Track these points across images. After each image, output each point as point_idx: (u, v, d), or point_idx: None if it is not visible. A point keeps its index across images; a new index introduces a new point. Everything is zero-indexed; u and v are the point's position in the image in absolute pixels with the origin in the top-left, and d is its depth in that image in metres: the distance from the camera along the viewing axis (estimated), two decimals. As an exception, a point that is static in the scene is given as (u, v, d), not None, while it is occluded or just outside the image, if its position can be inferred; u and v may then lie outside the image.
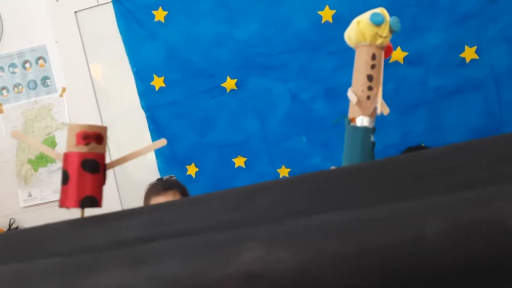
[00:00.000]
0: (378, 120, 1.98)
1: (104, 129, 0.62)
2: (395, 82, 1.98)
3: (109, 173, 2.20)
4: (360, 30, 0.93)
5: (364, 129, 0.94)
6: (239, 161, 2.12)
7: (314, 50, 2.00)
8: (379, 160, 0.51)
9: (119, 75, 2.22)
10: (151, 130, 2.16)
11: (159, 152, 2.17)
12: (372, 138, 0.95)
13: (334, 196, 0.44)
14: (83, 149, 0.59)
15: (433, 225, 0.38)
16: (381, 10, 0.93)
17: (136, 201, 2.18)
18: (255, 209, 0.45)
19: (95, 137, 0.60)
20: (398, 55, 1.96)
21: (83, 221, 0.55)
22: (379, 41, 0.93)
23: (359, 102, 0.94)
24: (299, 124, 2.04)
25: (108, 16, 2.14)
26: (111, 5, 2.13)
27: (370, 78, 0.94)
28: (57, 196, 2.29)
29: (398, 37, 1.94)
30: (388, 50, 0.97)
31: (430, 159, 0.48)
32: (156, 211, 0.52)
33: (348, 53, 2.04)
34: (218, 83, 2.09)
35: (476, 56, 1.92)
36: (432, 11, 1.93)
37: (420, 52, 1.95)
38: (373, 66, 0.94)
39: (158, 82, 2.13)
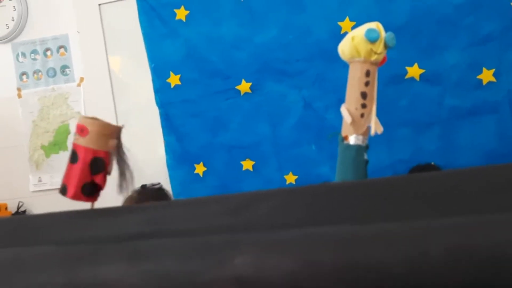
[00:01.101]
0: (389, 135, 1.99)
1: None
2: (409, 98, 1.97)
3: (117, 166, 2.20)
4: (355, 46, 0.90)
5: (357, 147, 0.93)
6: (247, 164, 2.13)
7: (331, 60, 1.99)
8: (379, 179, 0.52)
9: (136, 69, 2.24)
10: (163, 127, 2.18)
11: (169, 149, 2.19)
12: (365, 156, 0.94)
13: (331, 210, 0.45)
14: (84, 142, 0.71)
15: (431, 247, 0.38)
16: (376, 26, 0.91)
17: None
18: (252, 215, 0.46)
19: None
20: (415, 71, 1.96)
21: (86, 213, 0.57)
22: (373, 57, 0.90)
23: (352, 120, 0.93)
24: (310, 132, 2.04)
25: (130, 11, 2.17)
26: (134, 0, 2.16)
27: (364, 95, 0.92)
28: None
29: (415, 54, 1.95)
30: (381, 61, 0.95)
31: (429, 182, 0.48)
32: (158, 210, 0.54)
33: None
34: (233, 85, 2.10)
35: (493, 79, 1.91)
36: (453, 30, 1.92)
37: (438, 71, 1.94)
38: (367, 83, 0.91)
39: (174, 80, 2.15)
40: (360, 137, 0.93)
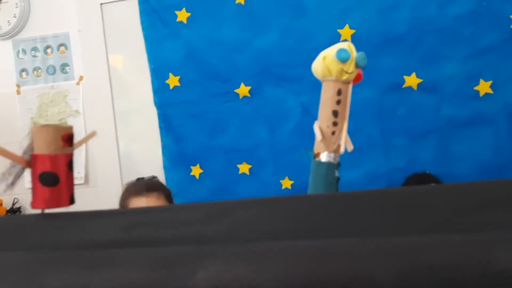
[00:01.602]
0: (386, 143, 2.00)
1: (71, 128, 0.64)
2: (407, 107, 1.98)
3: (114, 166, 2.24)
4: (326, 65, 0.92)
5: (328, 164, 0.94)
6: (244, 168, 2.13)
7: (330, 67, 2.00)
8: (362, 192, 0.51)
9: (136, 70, 2.25)
10: (161, 128, 2.19)
11: (166, 150, 2.19)
12: (337, 173, 0.95)
13: (305, 223, 0.44)
14: (68, 150, 0.61)
15: (383, 268, 0.38)
16: (347, 46, 0.92)
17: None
18: (226, 225, 0.46)
19: (72, 138, 0.62)
20: (413, 81, 1.97)
21: (57, 217, 0.56)
22: (344, 77, 0.92)
23: (323, 138, 0.94)
24: (308, 138, 2.04)
25: (132, 12, 2.18)
26: (136, 1, 2.17)
27: (335, 113, 0.93)
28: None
29: (414, 63, 1.96)
30: (357, 77, 0.97)
31: (399, 197, 0.48)
32: (130, 215, 0.53)
33: (365, 73, 2.05)
34: (232, 88, 2.11)
35: (490, 91, 1.92)
36: (452, 41, 1.93)
37: (435, 80, 1.95)
38: (338, 102, 0.93)
39: (173, 81, 2.15)
40: (332, 155, 0.94)
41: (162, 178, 2.17)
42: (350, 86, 0.93)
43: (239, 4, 2.08)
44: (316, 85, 2.20)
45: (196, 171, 2.17)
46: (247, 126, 2.11)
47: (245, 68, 2.10)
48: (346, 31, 2.00)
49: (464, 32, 1.92)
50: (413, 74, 1.97)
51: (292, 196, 0.49)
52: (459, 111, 1.95)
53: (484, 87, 1.93)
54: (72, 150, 0.62)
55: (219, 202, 0.52)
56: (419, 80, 1.97)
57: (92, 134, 0.68)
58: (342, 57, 0.91)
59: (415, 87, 1.97)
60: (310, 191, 0.98)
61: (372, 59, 1.97)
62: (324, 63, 0.93)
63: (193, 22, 2.13)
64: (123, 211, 0.55)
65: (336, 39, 2.00)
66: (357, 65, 0.93)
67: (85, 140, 0.67)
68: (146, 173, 2.21)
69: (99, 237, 0.48)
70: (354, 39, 1.99)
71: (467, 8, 1.91)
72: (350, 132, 2.15)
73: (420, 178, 1.85)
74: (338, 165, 0.96)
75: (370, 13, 1.99)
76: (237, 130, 2.12)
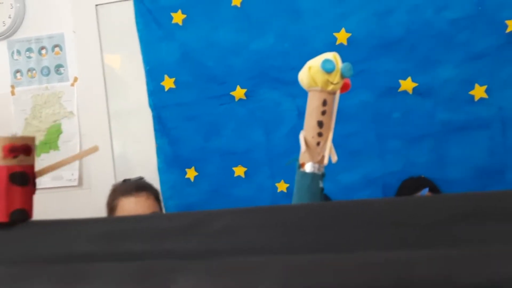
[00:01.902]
0: (381, 146, 2.00)
1: (32, 139, 0.61)
2: (402, 111, 1.98)
3: (108, 168, 2.23)
4: (311, 76, 0.92)
5: (312, 175, 0.93)
6: (239, 171, 2.13)
7: (326, 70, 2.00)
8: (341, 202, 0.50)
9: (131, 71, 2.24)
10: (155, 130, 2.18)
11: (160, 152, 2.18)
12: (321, 184, 0.94)
13: (283, 235, 0.43)
14: (11, 162, 0.58)
15: (352, 279, 0.37)
16: (333, 56, 0.92)
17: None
18: (200, 237, 0.45)
19: (23, 149, 0.59)
20: (408, 85, 1.97)
21: (34, 226, 0.54)
22: (330, 87, 0.92)
23: (308, 148, 0.94)
24: (303, 141, 2.05)
25: (127, 13, 2.18)
26: (132, 2, 2.16)
27: (320, 124, 0.93)
28: (55, 183, 2.31)
29: (409, 67, 1.97)
30: (345, 86, 0.97)
31: (381, 209, 0.46)
32: (104, 226, 0.51)
33: (358, 78, 2.06)
34: (228, 91, 2.11)
35: (485, 95, 1.93)
36: (448, 45, 1.94)
37: (431, 85, 1.96)
38: (323, 112, 0.93)
39: (168, 83, 2.15)
40: (316, 165, 0.93)
41: (156, 180, 2.17)
42: (337, 96, 0.93)
43: (235, 6, 2.08)
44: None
45: (191, 173, 2.16)
46: (243, 129, 2.10)
47: (241, 71, 2.09)
48: (342, 35, 2.00)
49: (459, 37, 1.93)
50: (409, 78, 1.97)
51: (271, 207, 0.47)
52: (454, 115, 1.95)
53: (479, 91, 1.93)
54: (22, 162, 0.58)
55: (195, 213, 0.51)
56: (415, 84, 1.97)
57: (93, 149, 0.65)
58: (327, 68, 0.91)
59: (410, 91, 1.98)
60: (294, 201, 0.97)
61: (368, 63, 1.99)
62: (310, 73, 0.93)
63: (189, 24, 2.13)
64: (96, 220, 0.53)
65: (333, 42, 2.00)
66: (342, 76, 0.93)
67: (84, 154, 0.65)
68: (140, 175, 2.21)
69: (71, 249, 0.47)
70: (350, 43, 1.99)
71: (463, 12, 1.92)
72: (346, 135, 2.17)
73: (416, 182, 1.85)
74: (322, 176, 0.95)
75: (366, 16, 1.99)
76: (232, 132, 2.12)
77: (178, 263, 0.42)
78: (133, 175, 2.19)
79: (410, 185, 1.86)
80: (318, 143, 0.94)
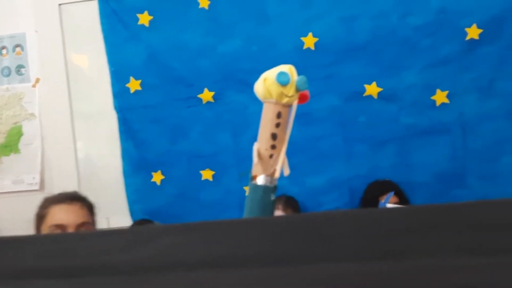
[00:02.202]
0: (348, 150, 2.02)
1: None
2: (367, 116, 2.02)
3: (71, 171, 2.16)
4: (267, 88, 0.91)
5: (264, 187, 0.92)
6: (207, 174, 2.11)
7: (293, 74, 2.02)
8: (291, 217, 0.49)
9: (95, 72, 2.19)
10: (121, 132, 2.14)
11: (125, 155, 2.14)
12: (273, 197, 0.93)
13: (235, 250, 0.42)
14: None
15: None
16: (289, 69, 0.91)
17: (96, 199, 2.13)
18: (144, 254, 0.43)
19: None
20: (373, 90, 2.01)
21: None
22: (284, 100, 0.91)
23: (260, 160, 0.92)
24: (271, 144, 2.05)
25: (92, 13, 2.13)
26: (96, 2, 2.11)
27: (274, 136, 0.92)
28: (16, 187, 2.23)
29: (375, 73, 2.00)
30: (303, 97, 0.96)
31: (336, 221, 0.46)
32: (45, 242, 0.49)
33: (325, 82, 2.09)
34: (195, 93, 2.09)
35: (447, 101, 1.98)
36: (412, 51, 1.98)
37: (395, 90, 2.00)
38: (277, 125, 0.92)
39: (134, 85, 2.11)
40: (268, 178, 0.93)
41: (121, 184, 2.12)
42: (294, 108, 0.92)
43: (203, 9, 2.07)
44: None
45: (157, 177, 2.13)
46: (210, 132, 2.09)
47: (208, 73, 2.08)
48: (310, 39, 2.02)
49: (422, 43, 1.98)
50: (374, 83, 2.01)
51: (222, 221, 0.46)
52: (417, 120, 2.00)
53: (440, 96, 1.98)
54: None
55: (141, 227, 0.50)
56: (380, 89, 2.00)
57: None
58: (282, 81, 0.90)
59: (375, 96, 2.01)
60: (246, 213, 0.96)
61: (335, 67, 2.01)
62: (265, 85, 0.92)
63: (156, 26, 2.10)
64: (37, 238, 0.50)
65: (300, 46, 2.02)
66: (297, 89, 0.92)
67: None
68: (105, 179, 2.16)
69: (16, 267, 0.45)
70: (318, 47, 2.01)
71: (426, 19, 1.97)
72: (314, 139, 2.18)
73: (382, 185, 1.88)
74: (275, 189, 0.94)
75: (332, 22, 2.02)
76: (200, 135, 2.10)
77: (119, 279, 0.40)
78: (97, 178, 2.14)
79: (376, 189, 1.88)
80: (271, 156, 0.92)
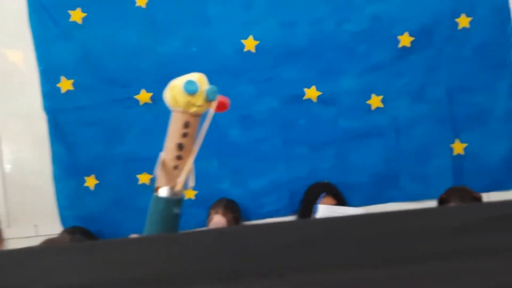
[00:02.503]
0: (288, 153, 2.03)
1: None
2: (307, 118, 2.05)
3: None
4: (174, 96, 0.88)
5: (166, 200, 0.88)
6: (144, 178, 2.04)
7: (234, 76, 2.01)
8: (202, 232, 0.46)
9: (23, 71, 2.05)
10: (51, 134, 2.01)
11: (56, 158, 2.01)
12: (177, 210, 0.88)
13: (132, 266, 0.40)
14: None
15: None
16: (198, 78, 0.89)
17: (23, 205, 1.99)
18: (33, 274, 0.40)
19: None
20: (312, 93, 2.04)
21: None
22: (192, 109, 0.88)
23: (164, 171, 0.88)
24: (212, 147, 2.02)
25: (20, 7, 1.99)
26: (25, -4, 1.98)
27: (180, 146, 0.89)
28: None
29: (314, 76, 2.04)
30: (222, 106, 0.92)
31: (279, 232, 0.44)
32: None
33: (267, 84, 2.09)
34: (131, 94, 2.02)
35: (381, 105, 2.06)
36: (348, 57, 2.04)
37: (333, 94, 2.05)
38: (185, 135, 0.89)
39: (65, 85, 2.00)
40: (171, 190, 0.88)
41: (52, 189, 2.00)
42: (210, 117, 0.86)
43: (140, 7, 2.01)
44: (222, 94, 2.19)
45: (90, 182, 2.03)
46: (148, 134, 2.01)
47: (146, 74, 2.02)
48: (250, 42, 2.02)
49: (358, 49, 2.05)
50: (313, 87, 2.04)
51: (122, 240, 0.43)
52: (354, 123, 2.06)
53: (375, 101, 2.06)
54: None
55: (31, 248, 0.45)
56: (319, 93, 2.04)
57: None
58: (189, 89, 0.87)
59: (314, 100, 2.05)
60: (146, 227, 0.90)
61: (275, 71, 2.03)
62: (172, 93, 0.88)
63: (89, 23, 2.01)
64: None
65: (240, 49, 2.01)
66: (207, 99, 0.89)
67: None
68: (34, 183, 2.02)
69: None
70: (258, 50, 2.02)
71: (361, 27, 2.04)
72: (255, 141, 2.17)
73: (322, 187, 1.91)
74: (179, 201, 0.89)
75: (272, 26, 2.03)
76: (137, 138, 2.02)
77: None
78: (26, 183, 2.00)
79: (315, 191, 1.91)
80: (175, 167, 0.88)
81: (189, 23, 2.02)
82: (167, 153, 0.88)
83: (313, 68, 2.04)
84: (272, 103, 2.03)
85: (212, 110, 0.90)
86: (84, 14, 2.00)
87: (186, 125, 0.88)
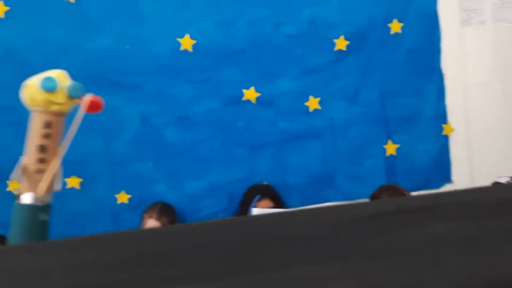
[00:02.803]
0: (227, 154, 2.01)
1: None
2: (246, 120, 2.04)
3: None
4: (30, 95, 0.84)
5: (30, 207, 0.82)
6: (73, 182, 1.93)
7: (171, 76, 1.97)
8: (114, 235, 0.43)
9: None
10: (-30, 137, 1.86)
11: (-25, 162, 1.86)
12: (44, 217, 0.83)
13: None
14: None
15: None
16: (56, 75, 0.85)
17: None
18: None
19: None
20: (251, 94, 2.03)
21: None
22: (54, 107, 0.84)
23: (26, 176, 0.82)
24: (147, 148, 1.96)
25: None
26: None
27: (42, 148, 0.84)
28: None
29: (252, 78, 2.03)
30: (94, 106, 0.88)
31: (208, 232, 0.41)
32: None
33: (205, 85, 2.06)
34: (59, 93, 1.90)
35: (318, 107, 2.08)
36: (285, 59, 2.06)
37: (271, 95, 2.05)
38: (47, 135, 0.84)
39: (-14, 83, 1.86)
40: (36, 196, 0.83)
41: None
42: (80, 116, 0.83)
43: (68, 1, 1.92)
44: (156, 95, 2.13)
45: (14, 186, 1.89)
46: (78, 136, 1.89)
47: (74, 72, 1.85)
48: (187, 41, 1.97)
49: (295, 52, 2.07)
50: (252, 88, 2.03)
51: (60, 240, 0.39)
52: (292, 124, 2.07)
53: (313, 103, 2.08)
54: None
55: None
56: (257, 94, 2.04)
57: None
58: (47, 87, 0.82)
59: (253, 101, 2.04)
60: (10, 237, 0.83)
61: (214, 71, 2.00)
62: (28, 92, 0.83)
63: (13, 17, 1.91)
64: None
65: (176, 47, 1.97)
66: (70, 96, 0.84)
67: None
68: None
69: None
70: (196, 50, 1.98)
71: (298, 29, 2.06)
72: (192, 143, 2.12)
73: (261, 189, 1.91)
74: (46, 208, 0.83)
75: (209, 25, 2.01)
76: (64, 139, 1.91)
77: None
78: None
79: (253, 193, 1.90)
80: (38, 171, 0.83)
81: (121, 19, 1.95)
82: (28, 156, 0.82)
83: (252, 69, 2.03)
84: (211, 104, 2.00)
85: (82, 109, 0.84)
86: (7, 8, 1.89)
87: (48, 125, 0.82)
